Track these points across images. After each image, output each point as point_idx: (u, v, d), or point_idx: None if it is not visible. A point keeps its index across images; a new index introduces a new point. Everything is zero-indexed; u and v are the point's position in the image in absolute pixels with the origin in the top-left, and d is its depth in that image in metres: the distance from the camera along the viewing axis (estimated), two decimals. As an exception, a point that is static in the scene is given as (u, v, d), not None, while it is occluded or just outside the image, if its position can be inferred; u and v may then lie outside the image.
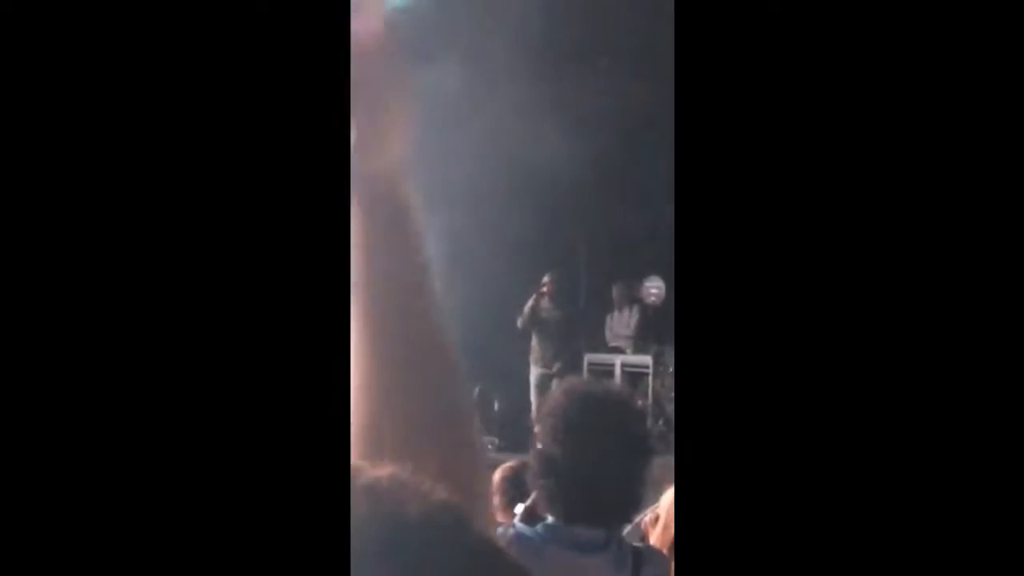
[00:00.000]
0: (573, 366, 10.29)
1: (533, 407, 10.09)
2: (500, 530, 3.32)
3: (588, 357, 11.04)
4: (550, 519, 3.04)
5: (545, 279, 10.60)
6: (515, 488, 3.65)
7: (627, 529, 3.78)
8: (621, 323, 11.14)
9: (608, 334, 11.27)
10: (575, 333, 10.83)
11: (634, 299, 11.10)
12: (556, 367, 10.42)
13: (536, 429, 3.09)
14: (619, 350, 11.08)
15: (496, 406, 10.96)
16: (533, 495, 3.12)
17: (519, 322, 10.73)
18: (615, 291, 11.11)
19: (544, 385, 10.29)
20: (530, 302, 10.64)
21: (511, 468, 3.84)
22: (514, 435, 10.06)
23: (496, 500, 3.76)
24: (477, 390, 10.50)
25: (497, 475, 3.87)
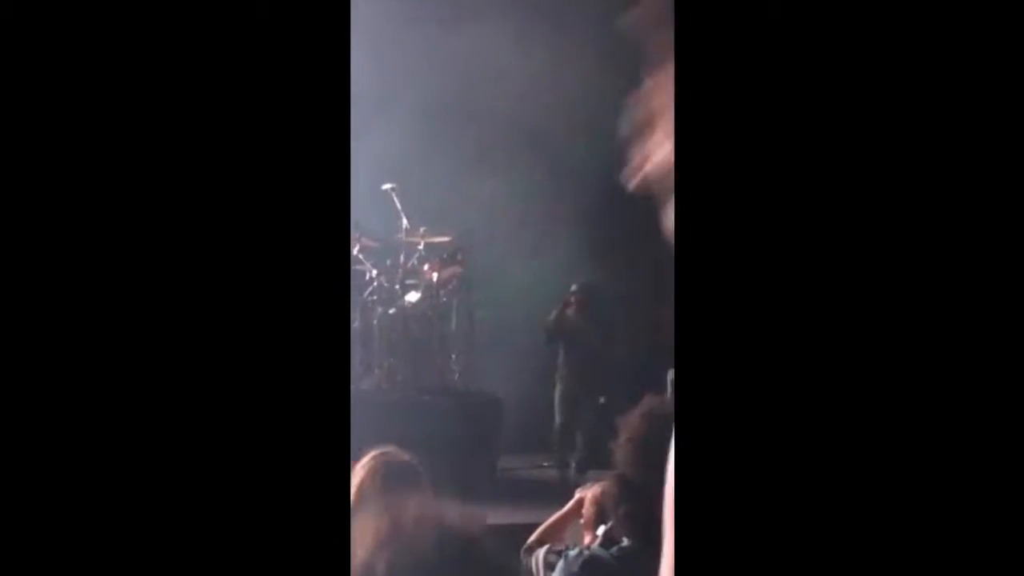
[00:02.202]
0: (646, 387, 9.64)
1: (556, 425, 9.72)
2: (574, 552, 3.32)
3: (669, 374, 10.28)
4: (626, 542, 3.04)
5: (573, 288, 9.82)
6: (602, 512, 3.67)
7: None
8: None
9: None
10: (608, 346, 10.11)
11: None
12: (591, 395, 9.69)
13: (615, 453, 3.06)
14: None
15: (557, 424, 10.43)
16: (611, 520, 3.12)
17: (543, 335, 10.02)
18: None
19: (570, 404, 9.69)
20: (554, 312, 9.97)
21: (599, 491, 3.81)
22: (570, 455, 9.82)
23: (583, 521, 3.76)
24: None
25: (587, 496, 3.86)
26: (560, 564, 3.36)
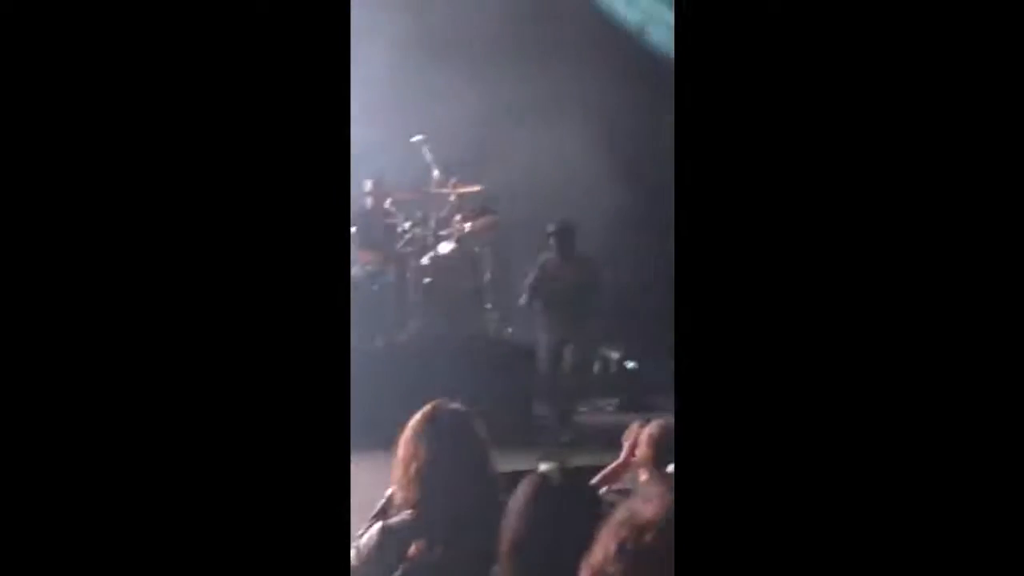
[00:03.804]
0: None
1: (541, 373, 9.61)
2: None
3: None
4: None
5: (550, 228, 9.27)
6: (658, 450, 3.68)
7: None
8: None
9: None
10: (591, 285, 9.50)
11: None
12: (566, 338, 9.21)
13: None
14: None
15: (613, 366, 10.32)
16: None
17: (524, 294, 9.48)
18: None
19: (556, 355, 9.29)
20: (533, 273, 9.43)
21: (663, 427, 3.81)
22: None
23: (638, 460, 3.79)
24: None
25: (642, 435, 3.87)
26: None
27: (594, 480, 3.95)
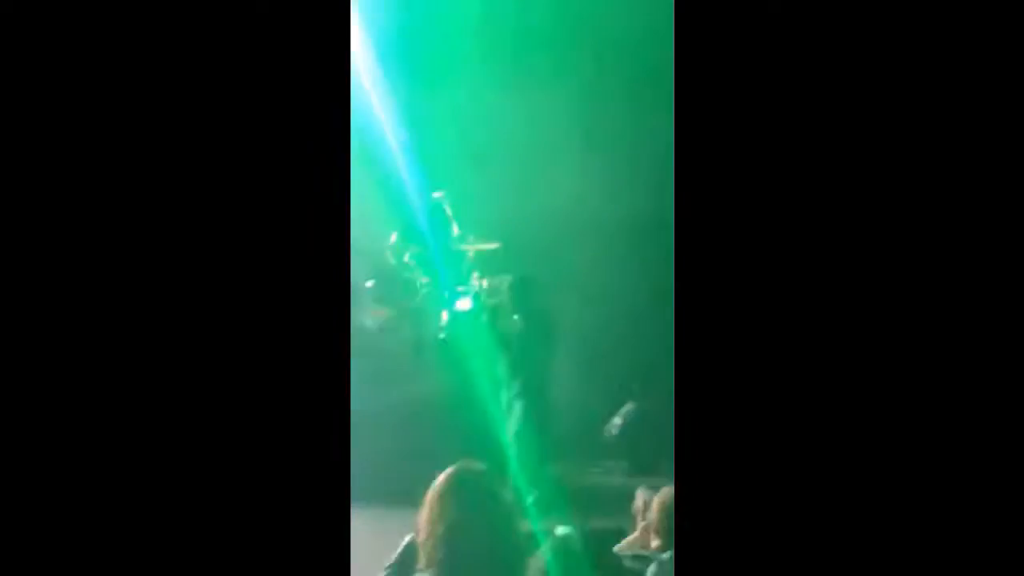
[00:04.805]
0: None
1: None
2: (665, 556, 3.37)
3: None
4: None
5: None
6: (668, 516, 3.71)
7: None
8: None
9: None
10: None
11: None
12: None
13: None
14: None
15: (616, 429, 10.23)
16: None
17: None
18: None
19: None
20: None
21: (665, 498, 3.85)
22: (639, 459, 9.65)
23: (655, 524, 3.81)
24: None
25: (654, 501, 3.90)
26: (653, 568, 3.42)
27: (617, 547, 3.98)
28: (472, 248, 10.10)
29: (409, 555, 3.26)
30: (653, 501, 3.89)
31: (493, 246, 10.21)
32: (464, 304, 9.91)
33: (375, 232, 9.57)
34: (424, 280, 10.03)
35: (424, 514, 3.13)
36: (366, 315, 9.40)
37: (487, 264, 10.16)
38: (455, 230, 10.09)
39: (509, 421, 8.86)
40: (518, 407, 8.93)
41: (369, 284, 9.39)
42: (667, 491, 3.87)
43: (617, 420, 10.25)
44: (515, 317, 9.00)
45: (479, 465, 3.28)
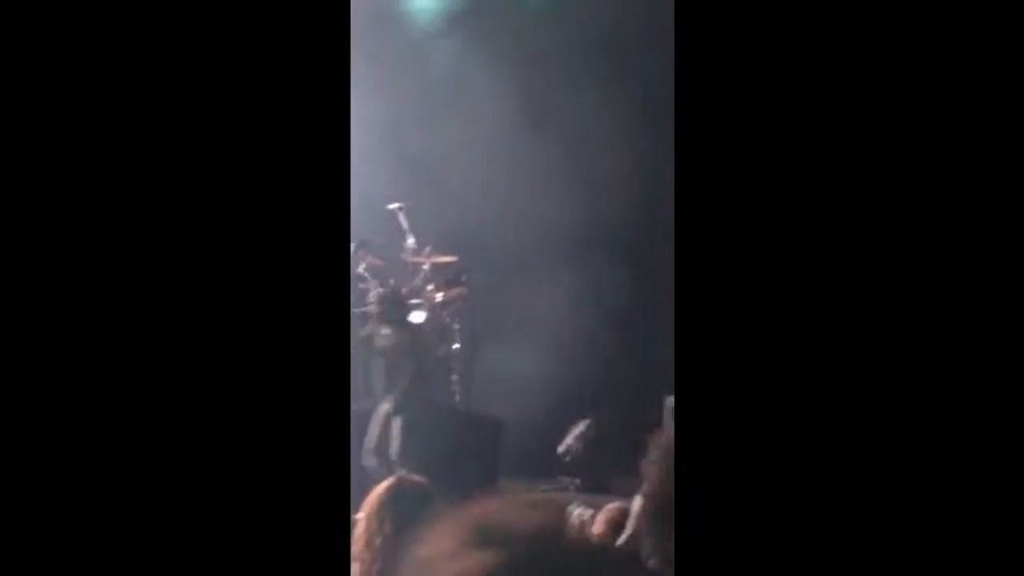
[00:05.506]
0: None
1: (371, 445, 9.16)
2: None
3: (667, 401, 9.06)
4: (652, 563, 3.02)
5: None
6: (617, 530, 3.66)
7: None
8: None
9: None
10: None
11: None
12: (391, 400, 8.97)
13: (647, 472, 3.03)
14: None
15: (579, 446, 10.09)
16: (626, 534, 3.08)
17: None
18: None
19: (386, 422, 8.91)
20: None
21: (616, 510, 3.80)
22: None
23: (596, 535, 3.75)
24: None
25: (603, 516, 3.85)
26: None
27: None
28: (428, 260, 10.06)
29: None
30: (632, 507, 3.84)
31: (450, 259, 10.18)
32: (418, 318, 9.86)
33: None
34: (379, 290, 9.96)
35: (361, 527, 3.07)
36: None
37: (443, 276, 10.12)
38: (411, 241, 10.05)
39: (391, 440, 8.77)
40: (396, 424, 8.86)
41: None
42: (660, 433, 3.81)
43: (570, 441, 10.24)
44: (385, 331, 8.97)
45: (417, 477, 3.25)
